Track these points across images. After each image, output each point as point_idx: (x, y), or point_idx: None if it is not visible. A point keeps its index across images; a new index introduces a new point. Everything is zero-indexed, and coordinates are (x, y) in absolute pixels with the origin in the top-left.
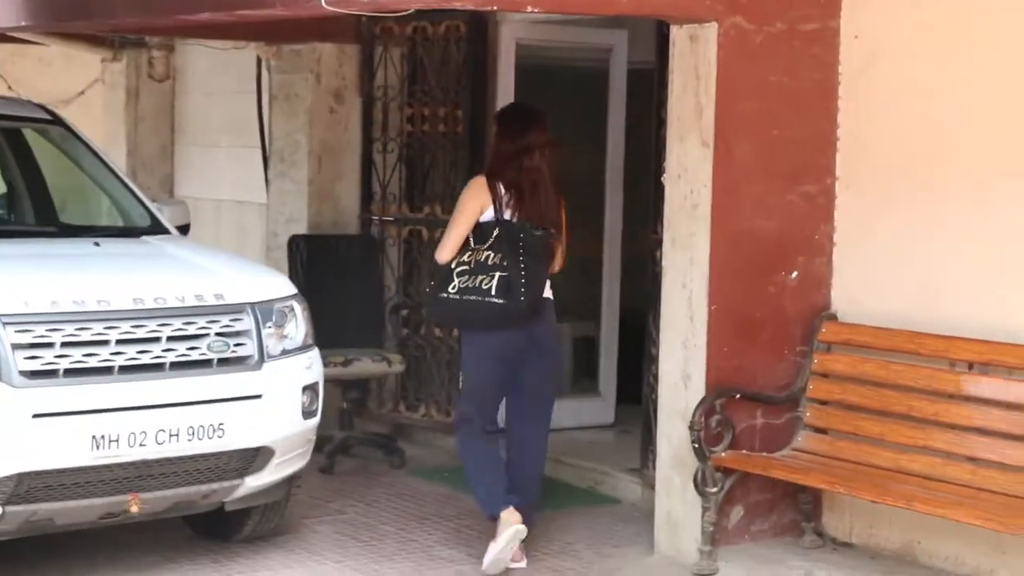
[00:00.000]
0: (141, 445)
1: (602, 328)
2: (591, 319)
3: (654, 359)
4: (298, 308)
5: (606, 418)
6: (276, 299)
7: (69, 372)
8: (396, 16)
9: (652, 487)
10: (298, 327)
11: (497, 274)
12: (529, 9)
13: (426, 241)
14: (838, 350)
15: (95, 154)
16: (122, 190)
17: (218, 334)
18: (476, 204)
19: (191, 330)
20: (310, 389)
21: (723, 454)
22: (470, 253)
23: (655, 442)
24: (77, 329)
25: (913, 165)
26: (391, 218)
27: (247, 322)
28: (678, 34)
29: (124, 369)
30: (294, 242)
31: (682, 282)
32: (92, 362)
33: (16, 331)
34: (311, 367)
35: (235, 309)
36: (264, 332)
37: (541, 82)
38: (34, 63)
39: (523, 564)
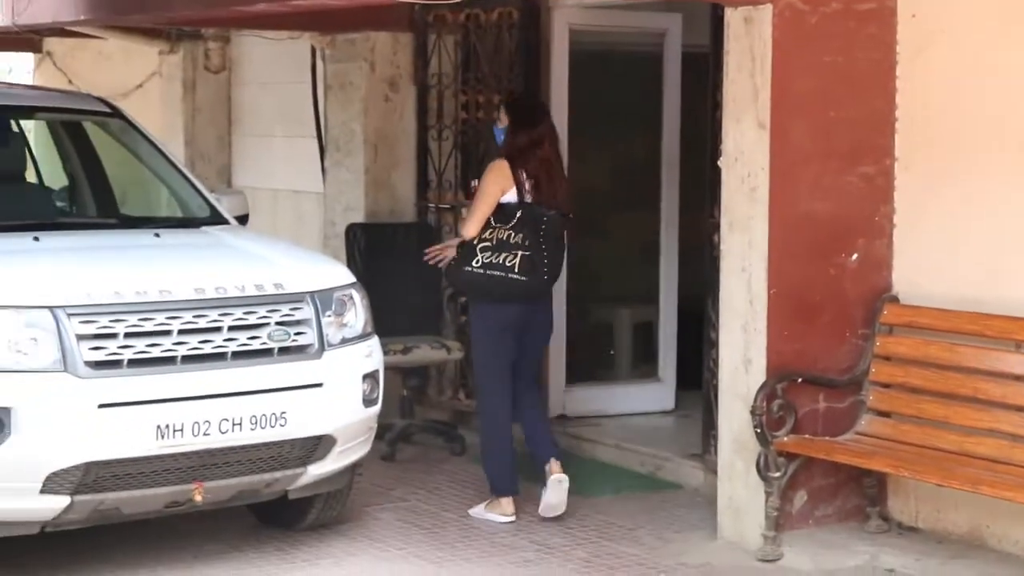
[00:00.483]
0: (205, 434)
1: (661, 313)
2: (650, 304)
3: (714, 344)
4: (357, 296)
5: (666, 403)
6: (335, 287)
7: (133, 362)
8: (449, 4)
9: (714, 472)
10: (357, 315)
11: (520, 253)
12: None
13: None
14: (900, 332)
15: (154, 146)
16: (181, 181)
17: (278, 323)
18: (498, 187)
19: (252, 319)
20: (370, 377)
21: (785, 438)
22: (491, 231)
23: (716, 427)
24: (140, 319)
25: (974, 144)
26: (447, 205)
27: (307, 311)
28: (733, 16)
29: (187, 359)
30: (351, 231)
31: (741, 266)
32: (155, 352)
33: (81, 322)
34: (371, 355)
35: (295, 298)
36: (324, 321)
37: (595, 67)
38: (93, 57)
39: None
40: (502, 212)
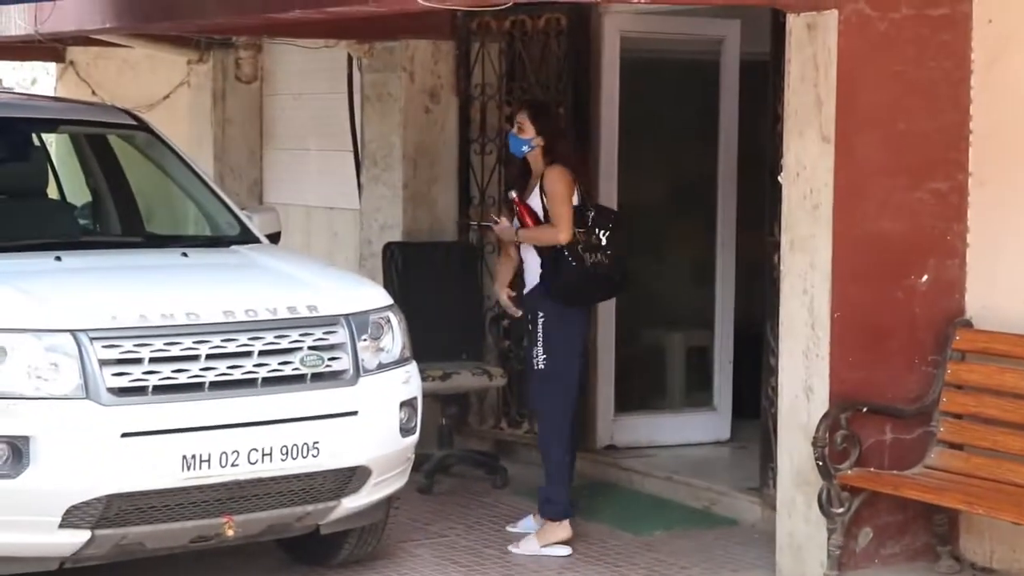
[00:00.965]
0: (233, 465)
1: (716, 337)
2: (705, 328)
3: (773, 370)
4: (394, 319)
5: (722, 434)
6: (372, 310)
7: (158, 389)
8: (494, 10)
9: (773, 507)
10: (395, 340)
11: (606, 252)
12: (635, 1)
13: None
14: (974, 359)
15: (182, 160)
16: (210, 197)
17: (311, 348)
18: (570, 190)
19: (283, 344)
20: (408, 405)
21: (850, 472)
22: (576, 234)
23: (775, 459)
24: (166, 344)
25: None
26: (489, 223)
27: (342, 335)
28: (795, 23)
29: (215, 385)
30: (389, 249)
31: (802, 288)
32: (182, 378)
33: (104, 346)
34: (409, 381)
35: (329, 321)
36: (359, 345)
37: (647, 77)
38: (118, 66)
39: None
40: (578, 215)
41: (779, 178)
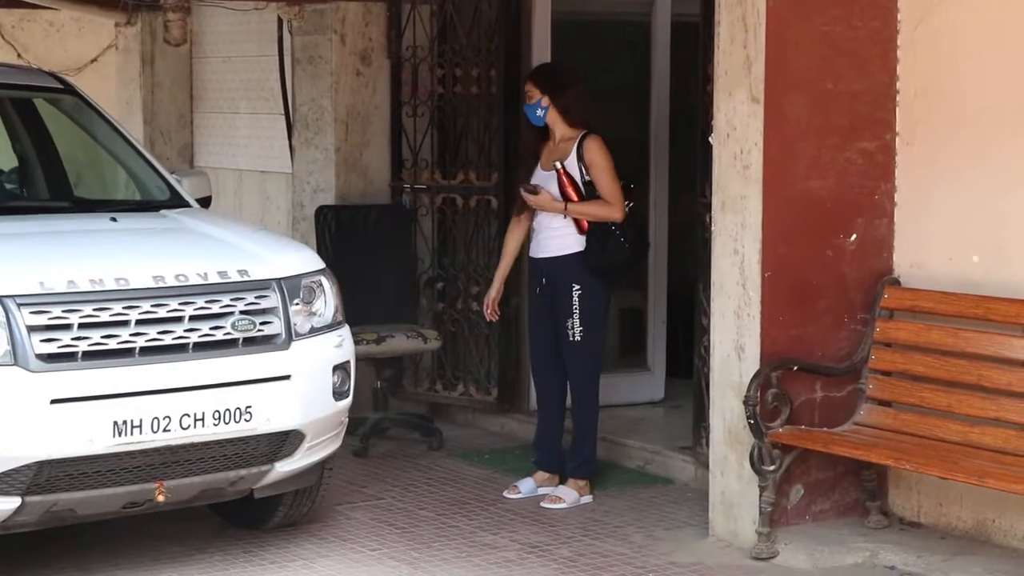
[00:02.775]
0: (165, 431)
1: (649, 299)
2: (638, 289)
3: (705, 330)
4: (327, 283)
5: (656, 394)
6: (303, 274)
7: (88, 355)
8: None
9: (705, 466)
10: (327, 303)
11: (637, 225)
12: None
13: (460, 210)
14: (901, 317)
15: (110, 124)
16: (139, 162)
17: (243, 312)
18: (612, 161)
19: (214, 308)
20: (341, 368)
21: (780, 430)
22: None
23: (708, 418)
24: (95, 310)
25: (980, 118)
26: (423, 186)
27: (273, 299)
28: None
29: (145, 351)
30: (321, 213)
31: (733, 248)
32: (112, 344)
33: (32, 312)
34: (342, 345)
35: (260, 286)
36: (291, 309)
37: (579, 37)
38: (43, 29)
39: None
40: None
41: (710, 139)
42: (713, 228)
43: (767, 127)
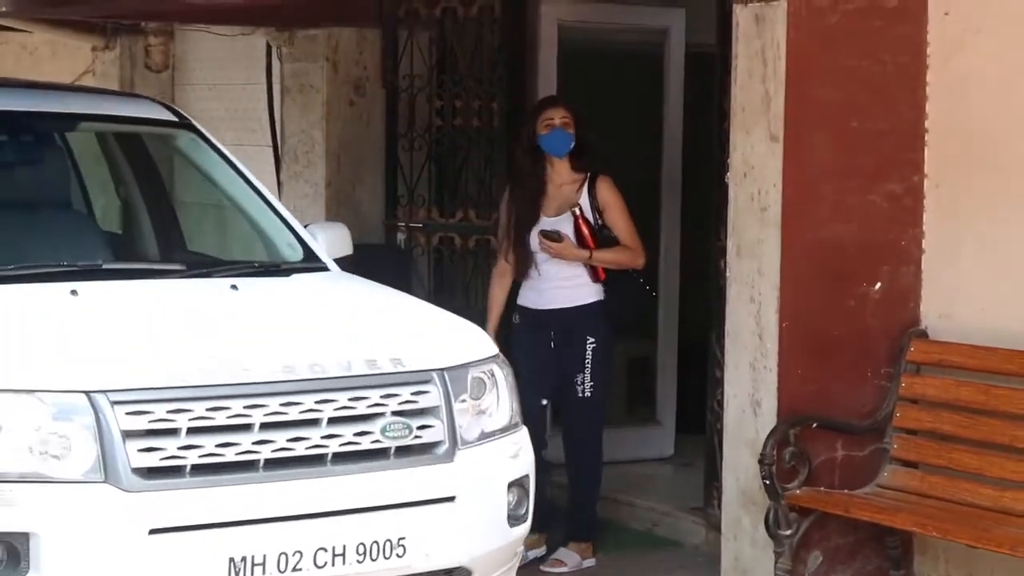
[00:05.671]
0: (295, 570)
1: (660, 347)
2: (647, 337)
3: (719, 383)
4: (500, 374)
5: (665, 450)
6: (472, 363)
7: (198, 469)
8: None
9: (717, 528)
10: (500, 400)
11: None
12: None
13: (459, 250)
14: (929, 372)
15: (233, 166)
16: (267, 212)
17: (396, 413)
18: None
19: (361, 408)
20: (518, 485)
21: (798, 491)
22: None
23: (720, 477)
24: (209, 409)
25: (1015, 160)
26: (419, 224)
27: (434, 396)
28: (742, 13)
29: (271, 464)
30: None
31: (749, 295)
32: (229, 455)
33: (128, 413)
34: (519, 455)
35: (419, 378)
36: (456, 409)
37: (587, 69)
38: (15, 52)
39: None
40: None
41: (726, 179)
42: (728, 274)
43: (786, 167)
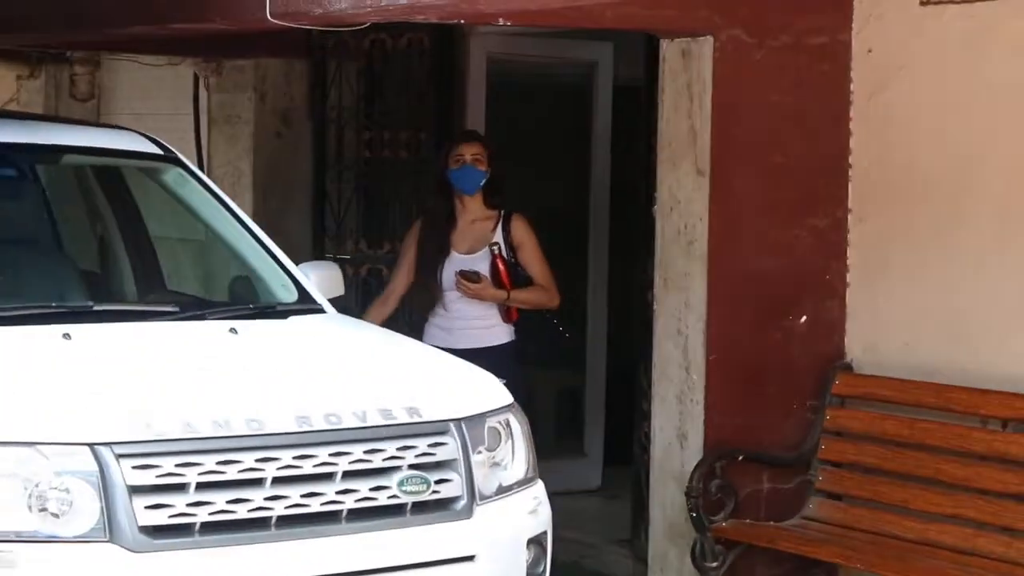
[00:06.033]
0: None
1: (588, 379)
2: (575, 369)
3: (645, 415)
4: (516, 424)
5: (592, 481)
6: (488, 412)
7: (208, 527)
8: (351, 29)
9: (644, 561)
10: (516, 451)
11: None
12: (501, 21)
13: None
14: (854, 405)
15: (221, 202)
16: (258, 251)
17: (413, 466)
18: None
19: (376, 461)
20: (536, 543)
21: (724, 523)
22: None
23: (648, 509)
24: (220, 463)
25: (936, 195)
26: (347, 256)
27: (452, 448)
28: (669, 49)
29: (284, 521)
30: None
31: (676, 328)
32: (241, 512)
33: (135, 467)
34: (537, 511)
35: (436, 429)
36: (474, 461)
37: (516, 101)
38: None
39: None
40: None
41: (653, 212)
42: (655, 307)
43: (713, 201)
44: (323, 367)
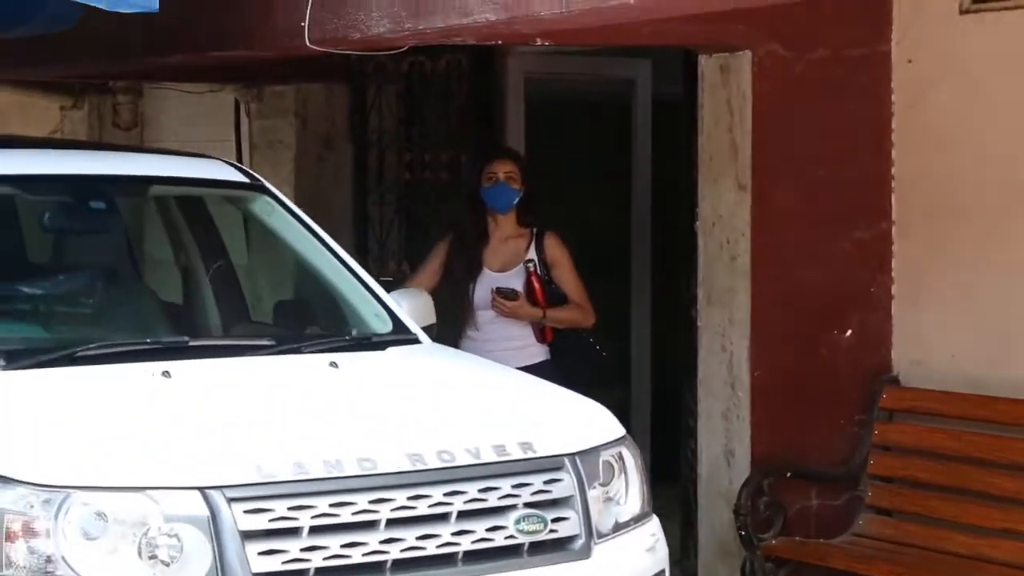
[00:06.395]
0: None
1: (632, 398)
2: (619, 387)
3: (691, 433)
4: (629, 457)
5: None
6: (602, 445)
7: (323, 572)
8: (390, 53)
9: None
10: (630, 487)
11: None
12: (538, 42)
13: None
14: (902, 418)
15: (312, 231)
16: (351, 281)
17: (529, 504)
18: None
19: (492, 500)
20: None
21: (774, 541)
22: None
23: (696, 528)
24: (333, 505)
25: (981, 206)
26: (390, 278)
27: (568, 484)
28: (707, 64)
29: (400, 564)
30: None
31: (721, 344)
32: (356, 556)
33: (247, 511)
34: (655, 548)
35: (551, 464)
36: (590, 497)
37: (555, 119)
38: None
39: None
40: None
41: (695, 227)
42: (699, 323)
43: (755, 215)
44: (430, 401)
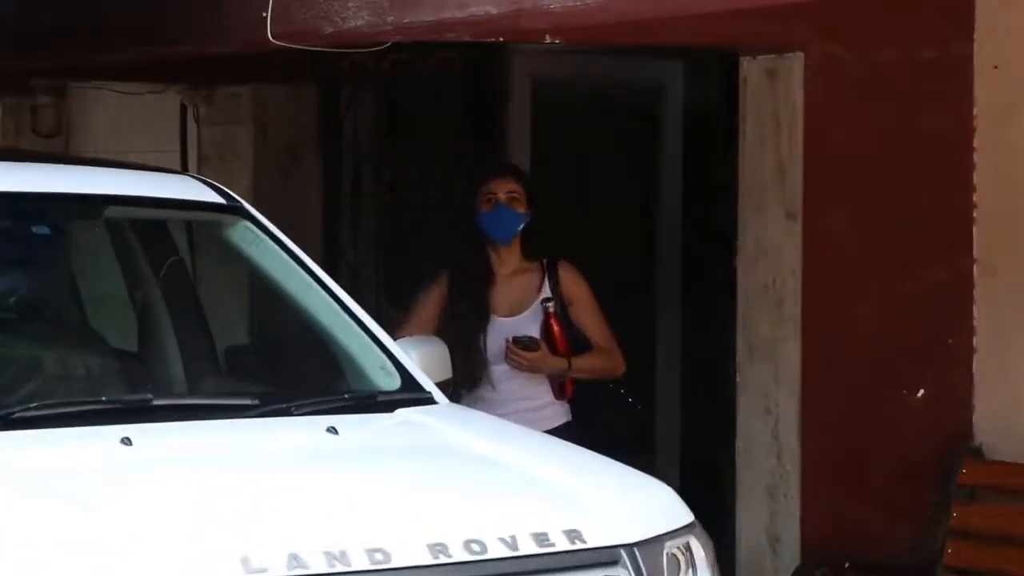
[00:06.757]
0: None
1: (657, 465)
2: (642, 453)
3: (729, 513)
4: (699, 548)
5: None
6: (666, 534)
7: None
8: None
9: None
10: None
11: None
12: (548, 39)
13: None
14: (986, 498)
15: (300, 263)
16: (349, 325)
17: None
18: None
19: None
20: None
21: None
22: None
23: None
24: None
25: None
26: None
27: None
28: (751, 68)
29: None
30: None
31: (765, 406)
32: None
33: None
34: None
35: (603, 557)
36: None
37: (567, 130)
38: None
39: None
40: None
41: (734, 262)
42: (739, 380)
43: (807, 250)
44: (455, 478)
